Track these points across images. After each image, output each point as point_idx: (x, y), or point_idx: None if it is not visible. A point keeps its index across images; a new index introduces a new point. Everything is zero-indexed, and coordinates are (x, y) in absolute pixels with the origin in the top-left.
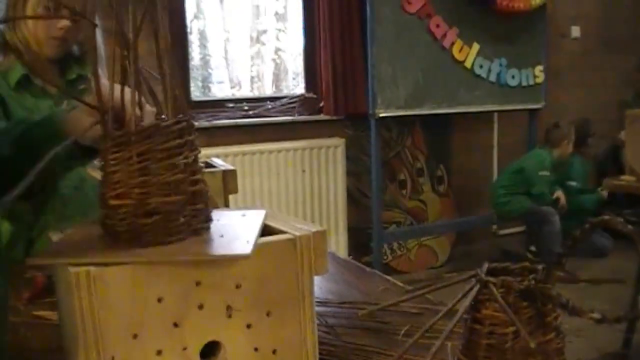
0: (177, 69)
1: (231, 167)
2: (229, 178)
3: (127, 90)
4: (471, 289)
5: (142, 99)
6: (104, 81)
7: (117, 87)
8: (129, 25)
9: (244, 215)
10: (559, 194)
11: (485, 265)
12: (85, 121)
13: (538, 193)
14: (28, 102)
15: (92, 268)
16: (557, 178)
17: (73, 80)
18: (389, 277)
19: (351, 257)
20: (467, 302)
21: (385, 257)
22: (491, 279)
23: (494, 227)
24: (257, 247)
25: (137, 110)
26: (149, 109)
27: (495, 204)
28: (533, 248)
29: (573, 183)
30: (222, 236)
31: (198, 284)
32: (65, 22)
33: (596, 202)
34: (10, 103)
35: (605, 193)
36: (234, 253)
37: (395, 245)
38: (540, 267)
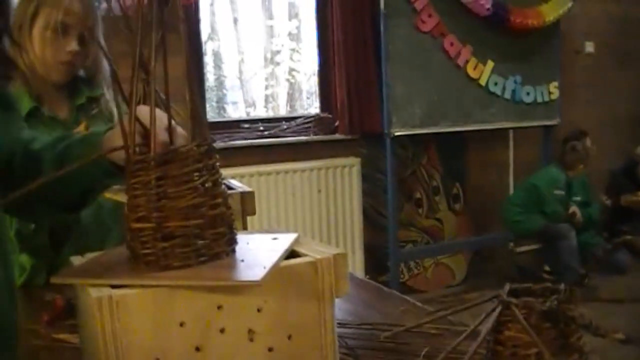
0: (197, 92)
1: (249, 189)
2: (247, 200)
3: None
4: (493, 310)
5: (173, 122)
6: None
7: (145, 110)
8: (150, 49)
9: (275, 238)
10: (574, 209)
11: (507, 286)
12: (117, 141)
13: (552, 212)
14: (41, 131)
15: (114, 293)
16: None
17: (83, 104)
18: (407, 298)
19: (368, 276)
20: (489, 323)
21: (402, 276)
22: (513, 300)
23: (511, 244)
24: (278, 270)
25: (164, 134)
26: (181, 132)
27: (510, 222)
28: (547, 268)
29: (577, 198)
30: (242, 261)
31: (219, 307)
32: (73, 47)
33: (599, 211)
34: None
35: (608, 202)
36: (240, 280)
37: (412, 264)
38: (562, 287)
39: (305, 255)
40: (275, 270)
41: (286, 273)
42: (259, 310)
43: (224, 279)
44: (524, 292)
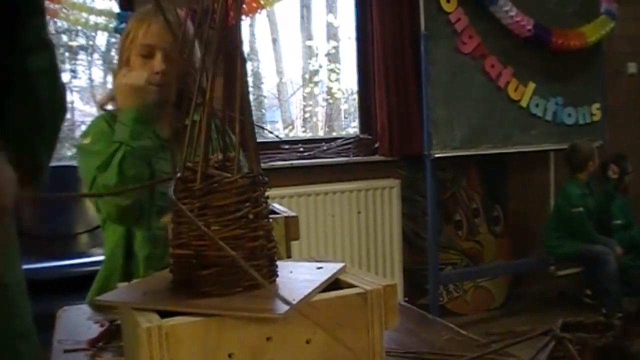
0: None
1: (293, 214)
2: (291, 225)
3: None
4: (546, 345)
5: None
6: None
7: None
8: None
9: (319, 268)
10: (620, 251)
11: (560, 321)
12: None
13: (579, 231)
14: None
15: (163, 323)
16: (597, 217)
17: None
18: (451, 325)
19: (407, 299)
20: (542, 358)
21: (441, 299)
22: (567, 335)
23: (552, 267)
24: (327, 301)
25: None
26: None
27: (548, 246)
28: (589, 292)
29: (618, 221)
30: (277, 291)
31: (269, 339)
32: (158, 67)
33: None
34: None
35: None
36: (258, 314)
37: (451, 286)
38: (617, 322)
39: (354, 286)
40: (324, 301)
41: (335, 304)
42: (307, 342)
43: (242, 310)
44: (577, 326)
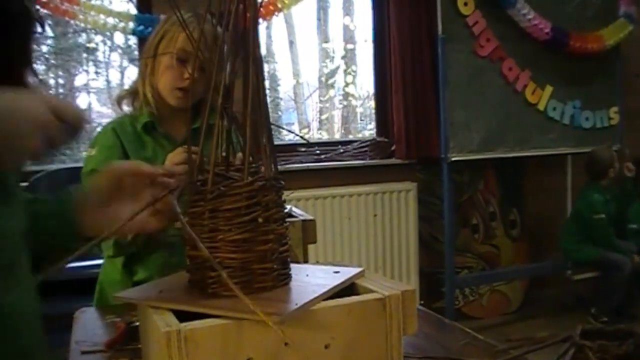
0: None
1: (310, 218)
2: (308, 228)
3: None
4: (566, 352)
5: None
6: None
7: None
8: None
9: (336, 272)
10: (637, 259)
11: (579, 327)
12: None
13: (599, 237)
14: (148, 148)
15: (183, 327)
16: (615, 221)
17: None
18: (469, 330)
19: (422, 302)
20: None
21: (457, 303)
22: (587, 342)
23: (568, 272)
24: (347, 306)
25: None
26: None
27: (566, 251)
28: (593, 311)
29: (634, 226)
30: (289, 294)
31: (287, 344)
32: (194, 74)
33: None
34: (130, 152)
35: None
36: (254, 316)
37: (467, 290)
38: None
39: (373, 291)
40: (343, 306)
41: (354, 309)
42: (326, 347)
43: (246, 312)
44: (597, 333)
